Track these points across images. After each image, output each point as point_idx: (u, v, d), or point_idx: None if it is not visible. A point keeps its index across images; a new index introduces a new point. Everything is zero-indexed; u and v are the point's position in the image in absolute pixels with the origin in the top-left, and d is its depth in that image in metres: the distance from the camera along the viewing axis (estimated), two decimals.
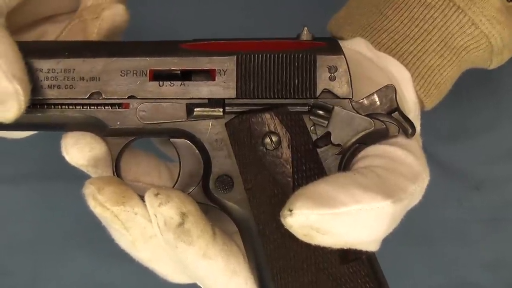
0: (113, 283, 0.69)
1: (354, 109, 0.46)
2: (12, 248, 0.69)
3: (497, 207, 0.70)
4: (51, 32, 0.53)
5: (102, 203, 0.45)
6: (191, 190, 0.48)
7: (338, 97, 0.46)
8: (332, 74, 0.46)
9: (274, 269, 0.46)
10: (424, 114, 0.71)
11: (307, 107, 0.46)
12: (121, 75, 0.46)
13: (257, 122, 0.46)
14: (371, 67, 0.52)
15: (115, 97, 0.47)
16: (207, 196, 0.48)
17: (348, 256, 0.46)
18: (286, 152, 0.46)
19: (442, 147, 0.71)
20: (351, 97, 0.46)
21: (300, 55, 0.46)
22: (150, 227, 0.46)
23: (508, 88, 0.72)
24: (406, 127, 0.47)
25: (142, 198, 0.46)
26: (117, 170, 0.49)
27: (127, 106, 0.47)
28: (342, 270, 0.45)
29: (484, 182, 0.70)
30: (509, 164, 0.71)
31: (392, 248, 0.69)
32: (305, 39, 0.47)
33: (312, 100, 0.46)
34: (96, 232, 0.68)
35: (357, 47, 0.53)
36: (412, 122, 0.47)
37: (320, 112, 0.46)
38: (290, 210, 0.41)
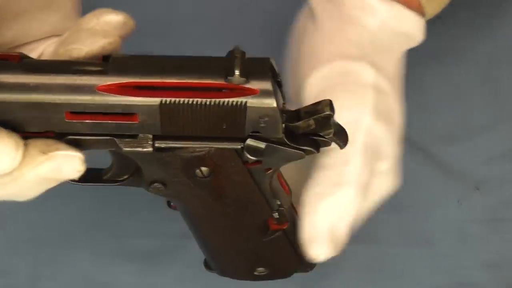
0: (113, 283, 0.68)
1: (288, 132, 0.44)
2: (12, 248, 0.69)
3: (497, 207, 0.70)
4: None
5: None
6: (124, 177, 0.48)
7: (267, 139, 0.44)
8: (263, 121, 0.43)
9: (206, 238, 0.53)
10: (424, 114, 0.71)
11: (240, 145, 0.45)
12: (37, 113, 0.42)
13: (187, 158, 0.45)
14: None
15: (35, 131, 0.43)
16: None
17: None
18: (216, 179, 0.47)
19: (442, 147, 0.71)
20: (280, 136, 0.44)
21: (229, 103, 0.42)
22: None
23: (508, 88, 0.72)
24: (339, 144, 0.46)
25: None
26: None
27: (52, 134, 0.44)
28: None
29: (484, 182, 0.70)
30: (509, 164, 0.70)
31: (392, 248, 0.69)
32: (236, 83, 0.42)
33: (245, 137, 0.44)
34: (96, 231, 0.69)
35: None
36: (347, 136, 0.46)
37: (251, 154, 0.45)
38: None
